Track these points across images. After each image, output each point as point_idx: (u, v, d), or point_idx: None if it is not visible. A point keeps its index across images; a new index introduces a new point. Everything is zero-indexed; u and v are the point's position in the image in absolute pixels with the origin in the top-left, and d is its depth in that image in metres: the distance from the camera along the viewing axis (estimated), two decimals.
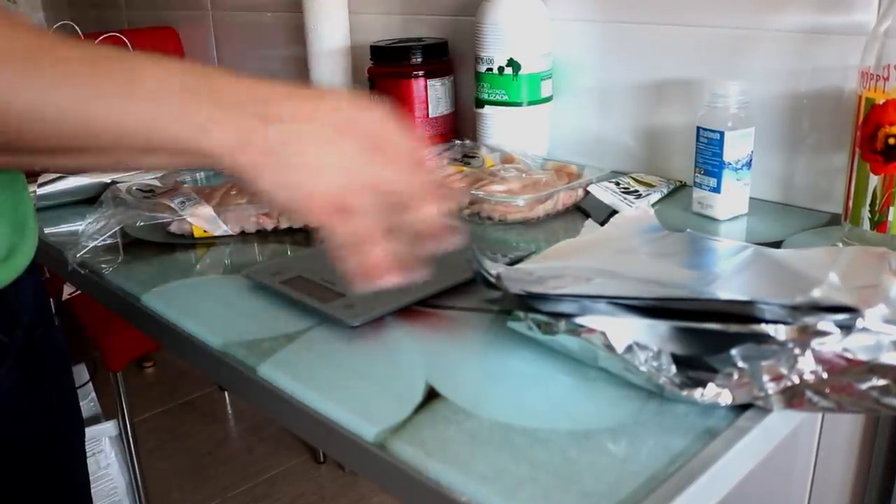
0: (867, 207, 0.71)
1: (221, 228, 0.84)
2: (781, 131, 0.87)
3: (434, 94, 1.13)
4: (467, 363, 0.57)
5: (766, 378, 0.48)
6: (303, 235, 0.84)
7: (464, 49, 1.14)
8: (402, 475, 0.46)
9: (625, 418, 0.49)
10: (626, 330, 0.51)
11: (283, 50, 1.52)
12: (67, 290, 1.60)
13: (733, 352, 0.48)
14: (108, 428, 1.54)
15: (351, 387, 0.54)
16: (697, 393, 0.48)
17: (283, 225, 0.84)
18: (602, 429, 0.48)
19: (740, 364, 0.48)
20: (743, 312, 0.49)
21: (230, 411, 2.16)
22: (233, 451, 1.97)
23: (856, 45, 0.72)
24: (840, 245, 0.72)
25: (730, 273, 0.62)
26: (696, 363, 0.49)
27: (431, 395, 0.52)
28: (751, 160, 0.82)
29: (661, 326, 0.51)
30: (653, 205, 0.87)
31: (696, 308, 0.51)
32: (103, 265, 0.77)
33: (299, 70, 1.45)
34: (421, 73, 1.11)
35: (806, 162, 0.86)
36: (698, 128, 0.82)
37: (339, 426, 0.51)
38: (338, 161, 0.45)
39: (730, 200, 0.82)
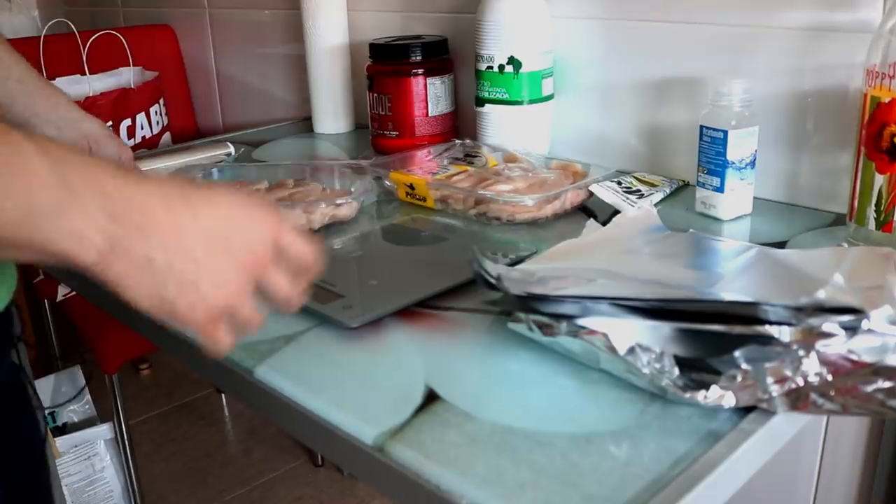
0: (872, 207, 0.71)
1: None
2: (786, 130, 0.87)
3: (434, 93, 1.13)
4: (467, 365, 0.57)
5: (770, 380, 0.48)
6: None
7: (464, 47, 1.14)
8: (401, 478, 0.46)
9: (627, 421, 0.49)
10: (628, 331, 0.51)
11: (281, 48, 1.52)
12: (62, 292, 1.60)
13: (737, 354, 0.48)
14: (104, 431, 1.54)
15: (349, 389, 0.54)
16: (700, 395, 0.48)
17: None
18: (604, 431, 0.48)
19: (744, 366, 0.48)
20: (747, 314, 0.49)
21: (227, 414, 2.15)
22: (230, 454, 1.97)
23: (861, 42, 0.72)
24: (845, 245, 0.72)
25: (733, 274, 0.62)
26: (699, 365, 0.49)
27: (431, 398, 0.52)
28: (754, 159, 0.82)
29: (664, 328, 0.51)
30: (655, 204, 0.87)
31: (699, 309, 0.51)
32: None
33: (297, 69, 1.45)
34: (420, 71, 1.11)
35: (810, 161, 0.86)
36: (701, 126, 0.82)
37: (337, 429, 0.51)
38: (211, 276, 0.44)
39: (733, 200, 0.82)
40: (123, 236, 0.41)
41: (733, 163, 0.80)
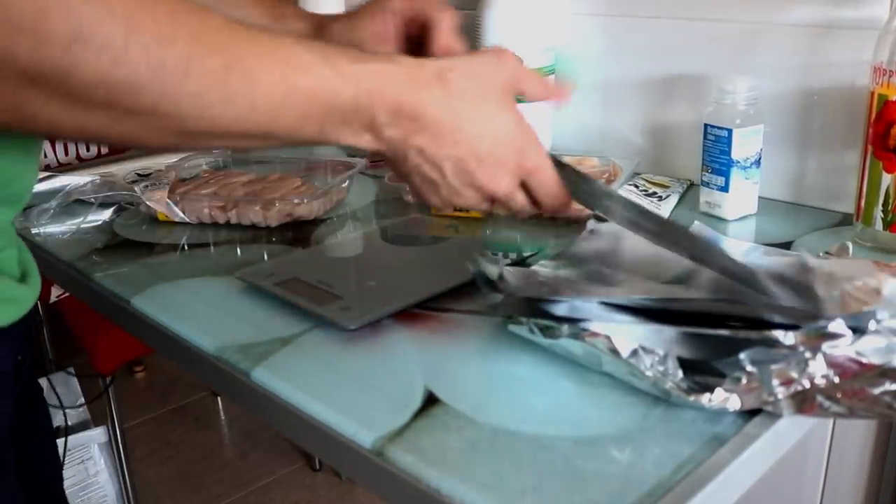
0: (880, 207, 0.71)
1: (178, 215, 0.86)
2: (791, 128, 0.87)
3: None
4: (468, 367, 0.57)
5: (775, 382, 0.48)
6: (293, 234, 0.84)
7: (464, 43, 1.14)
8: (400, 483, 0.46)
9: (630, 425, 0.49)
10: (631, 334, 0.51)
11: None
12: (55, 293, 1.60)
13: (742, 356, 0.48)
14: (98, 434, 1.54)
15: (348, 392, 0.54)
16: (705, 398, 0.48)
17: (234, 220, 0.85)
18: (606, 435, 0.48)
19: (749, 368, 0.48)
20: (751, 316, 0.49)
21: (223, 417, 2.16)
22: (226, 458, 1.97)
23: (868, 39, 0.72)
24: (849, 244, 0.72)
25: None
26: (703, 367, 0.49)
27: (431, 401, 0.52)
28: (760, 158, 0.82)
29: (668, 330, 0.51)
30: (673, 208, 0.86)
31: (701, 309, 0.51)
32: (89, 260, 0.77)
33: None
34: None
35: (817, 160, 0.86)
36: (706, 125, 0.82)
37: (335, 432, 0.51)
38: (475, 184, 0.53)
39: (738, 200, 0.82)
40: (392, 135, 0.50)
41: (738, 162, 0.80)
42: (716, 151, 0.81)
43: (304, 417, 0.53)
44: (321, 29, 0.70)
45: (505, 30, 0.99)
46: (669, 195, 0.88)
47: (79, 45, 0.37)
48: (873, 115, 0.70)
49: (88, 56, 0.37)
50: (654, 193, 0.88)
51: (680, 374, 0.49)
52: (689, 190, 0.93)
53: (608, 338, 0.51)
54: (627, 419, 0.50)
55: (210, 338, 0.62)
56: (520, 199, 0.55)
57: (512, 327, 0.58)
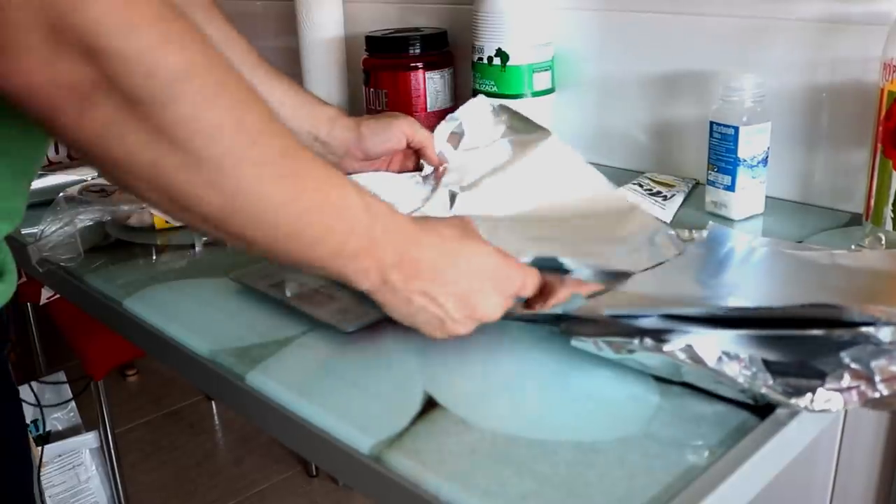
0: (890, 206, 0.71)
1: None
2: (799, 126, 0.87)
3: (433, 87, 1.13)
4: (467, 371, 0.57)
5: (878, 378, 0.47)
6: None
7: (464, 39, 1.14)
8: (398, 489, 0.46)
9: (634, 429, 0.49)
10: (711, 341, 0.50)
11: (274, 41, 1.52)
12: (45, 295, 1.60)
13: (843, 354, 0.47)
14: (89, 439, 1.54)
15: (345, 396, 0.54)
16: (805, 400, 0.47)
17: None
18: (610, 440, 0.48)
19: (854, 366, 0.47)
20: (830, 317, 0.49)
21: (218, 422, 2.15)
22: (220, 464, 1.97)
23: (877, 35, 0.72)
24: (868, 244, 0.72)
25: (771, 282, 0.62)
26: (796, 369, 0.49)
27: (429, 405, 0.52)
28: (767, 157, 0.82)
29: (748, 335, 0.50)
30: (679, 207, 0.86)
31: (777, 316, 0.51)
32: (64, 262, 0.77)
33: (291, 63, 1.45)
34: (419, 64, 1.11)
35: (825, 158, 0.86)
36: (711, 123, 0.82)
37: (332, 437, 0.51)
38: (452, 322, 0.57)
39: (745, 199, 0.82)
40: (395, 280, 0.54)
41: (745, 160, 0.80)
42: (722, 150, 0.81)
43: (300, 422, 0.53)
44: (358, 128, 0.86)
45: (494, 25, 0.99)
46: (675, 195, 0.88)
47: (180, 85, 0.41)
48: (883, 113, 0.70)
49: (188, 95, 0.42)
50: (659, 193, 0.88)
51: (770, 377, 0.49)
52: (695, 189, 0.93)
53: (690, 346, 0.50)
54: (631, 423, 0.50)
55: (204, 340, 0.62)
56: (511, 306, 0.60)
57: (575, 343, 0.57)
